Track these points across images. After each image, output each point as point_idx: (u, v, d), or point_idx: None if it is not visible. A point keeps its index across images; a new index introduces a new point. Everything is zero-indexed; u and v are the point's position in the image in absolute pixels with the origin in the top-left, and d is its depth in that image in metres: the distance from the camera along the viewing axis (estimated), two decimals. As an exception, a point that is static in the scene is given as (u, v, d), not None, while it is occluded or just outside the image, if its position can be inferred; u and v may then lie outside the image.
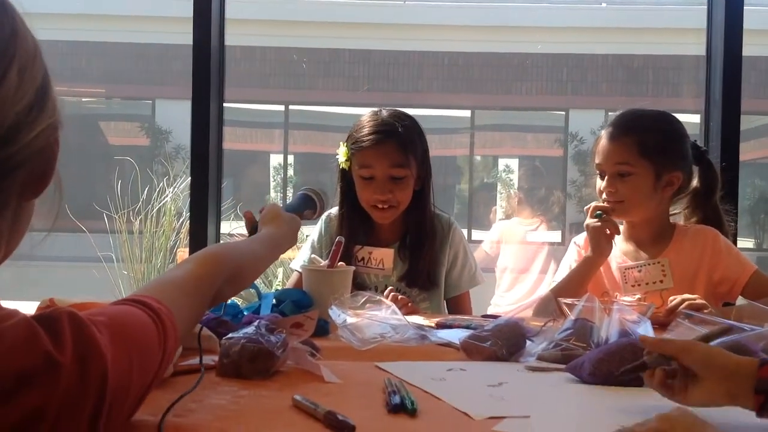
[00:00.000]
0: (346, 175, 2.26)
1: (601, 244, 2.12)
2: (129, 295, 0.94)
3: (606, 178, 2.13)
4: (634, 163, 2.09)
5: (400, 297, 2.01)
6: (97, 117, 13.73)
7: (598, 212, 2.12)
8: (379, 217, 2.23)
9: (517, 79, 12.58)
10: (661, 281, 2.09)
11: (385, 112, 2.23)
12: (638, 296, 2.02)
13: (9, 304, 0.77)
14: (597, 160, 2.17)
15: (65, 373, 0.73)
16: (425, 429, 1.00)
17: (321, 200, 1.73)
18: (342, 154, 2.23)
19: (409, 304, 2.04)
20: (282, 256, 1.53)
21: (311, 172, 13.44)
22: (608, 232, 2.11)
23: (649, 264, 2.12)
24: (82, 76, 12.80)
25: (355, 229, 2.25)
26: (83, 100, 13.74)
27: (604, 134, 2.16)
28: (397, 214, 2.23)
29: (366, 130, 2.18)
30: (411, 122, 2.24)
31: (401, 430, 0.99)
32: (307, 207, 1.70)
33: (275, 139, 13.41)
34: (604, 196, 2.14)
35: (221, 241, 3.24)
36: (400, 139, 2.16)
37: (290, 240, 1.48)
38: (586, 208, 2.16)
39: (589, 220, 2.13)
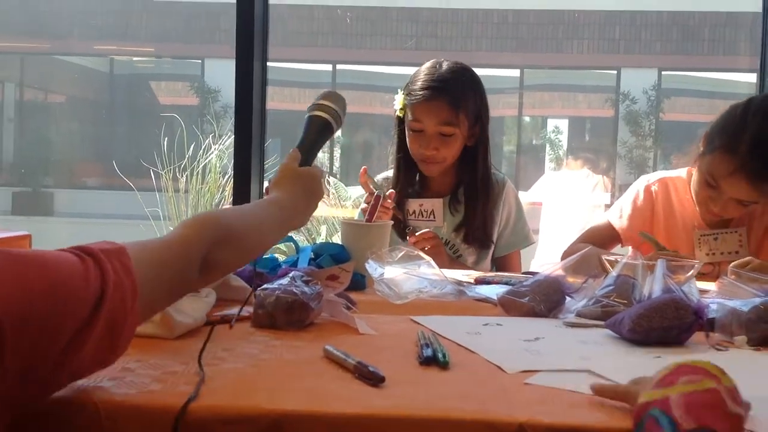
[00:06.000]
0: (401, 123, 2.24)
1: None
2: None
3: (730, 202, 1.91)
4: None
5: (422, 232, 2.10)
6: (147, 77, 13.87)
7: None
8: (425, 169, 2.23)
9: (568, 38, 12.32)
10: (737, 252, 1.96)
11: (444, 65, 2.18)
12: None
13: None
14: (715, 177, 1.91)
15: None
16: (456, 381, 0.98)
17: (335, 111, 1.41)
18: (398, 102, 2.21)
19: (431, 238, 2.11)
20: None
21: (359, 132, 13.43)
22: None
23: (726, 232, 2.00)
24: (133, 35, 12.91)
25: (408, 179, 2.25)
26: (134, 59, 13.90)
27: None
28: (444, 168, 2.20)
29: (419, 84, 2.15)
30: (469, 77, 2.19)
31: (432, 381, 0.97)
32: (323, 131, 1.41)
33: (323, 99, 13.38)
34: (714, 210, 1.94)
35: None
36: (451, 96, 2.12)
37: (304, 196, 1.29)
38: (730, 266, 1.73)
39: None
